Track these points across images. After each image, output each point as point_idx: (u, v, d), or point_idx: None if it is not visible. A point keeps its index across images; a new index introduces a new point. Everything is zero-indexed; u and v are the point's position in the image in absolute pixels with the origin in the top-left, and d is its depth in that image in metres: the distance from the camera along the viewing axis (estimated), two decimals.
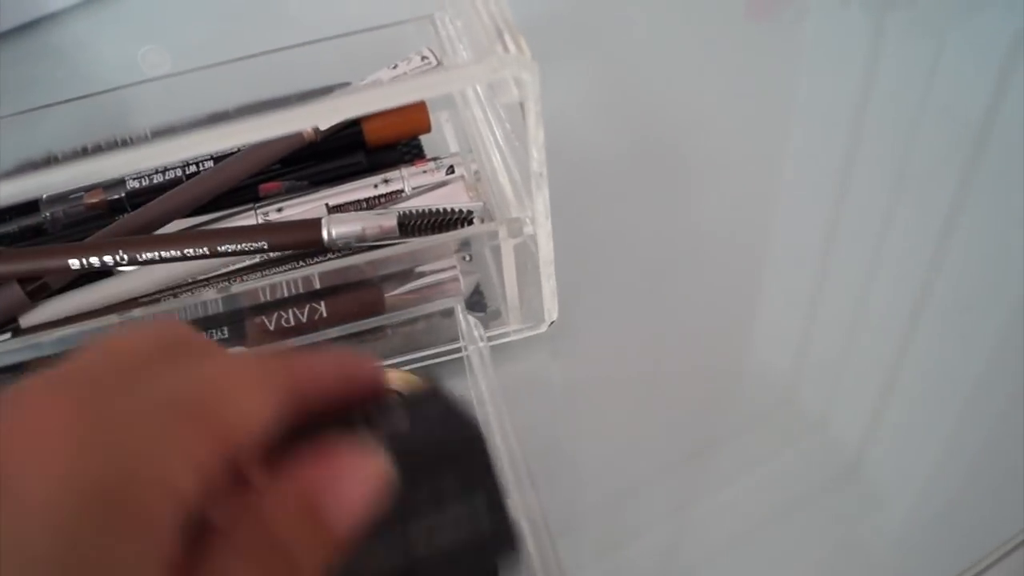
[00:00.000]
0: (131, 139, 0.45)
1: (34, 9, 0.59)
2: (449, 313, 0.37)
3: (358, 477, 0.20)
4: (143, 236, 0.40)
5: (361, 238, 0.38)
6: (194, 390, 0.19)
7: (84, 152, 0.45)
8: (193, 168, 0.43)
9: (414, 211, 0.38)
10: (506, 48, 0.32)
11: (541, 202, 0.35)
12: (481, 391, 0.35)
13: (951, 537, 0.34)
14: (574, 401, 0.39)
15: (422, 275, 0.38)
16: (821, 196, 0.46)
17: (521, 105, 0.32)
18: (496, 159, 0.40)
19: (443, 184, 0.41)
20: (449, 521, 0.21)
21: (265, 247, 0.38)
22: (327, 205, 0.40)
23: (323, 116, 0.32)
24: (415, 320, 0.38)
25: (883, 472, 0.36)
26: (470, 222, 0.38)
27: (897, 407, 0.38)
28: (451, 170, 0.41)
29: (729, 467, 0.37)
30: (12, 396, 0.17)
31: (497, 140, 0.40)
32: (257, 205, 0.41)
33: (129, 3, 0.59)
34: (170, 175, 0.43)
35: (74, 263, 0.38)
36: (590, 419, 0.39)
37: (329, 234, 0.37)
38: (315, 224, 0.38)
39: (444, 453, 0.22)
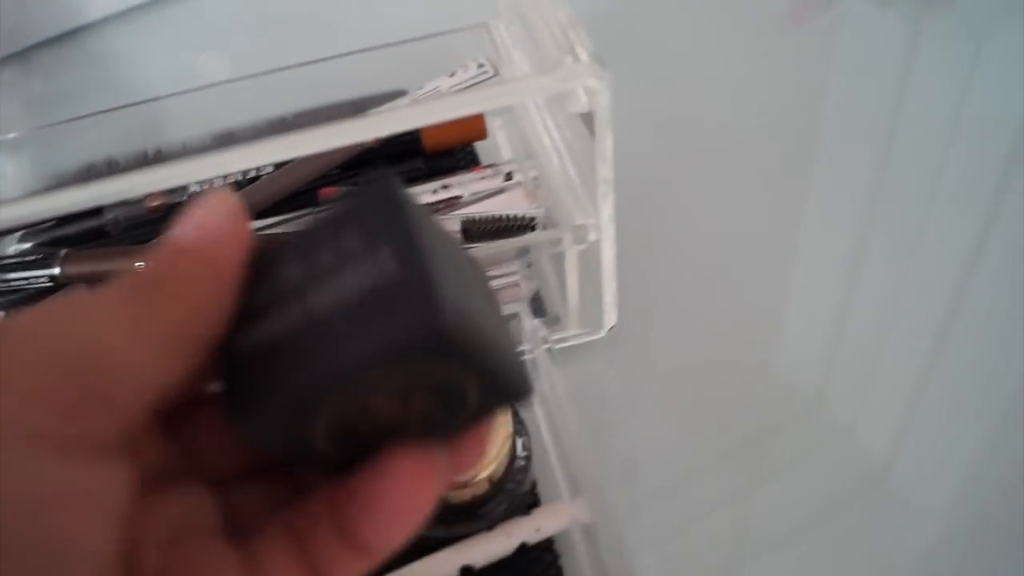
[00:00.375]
0: (191, 145, 0.45)
1: (78, 17, 0.60)
2: (511, 317, 0.37)
3: (199, 206, 0.21)
4: None
5: None
6: None
7: (146, 158, 0.46)
8: (253, 173, 0.43)
9: (477, 217, 0.38)
10: (577, 58, 0.33)
11: (607, 209, 0.35)
12: (546, 392, 0.35)
13: (979, 547, 0.35)
14: (628, 403, 0.40)
15: None
16: (857, 203, 0.46)
17: (590, 114, 0.33)
18: (555, 165, 0.40)
19: (502, 190, 0.41)
20: (351, 277, 0.19)
21: None
22: None
23: (391, 126, 0.32)
24: None
25: (912, 479, 0.37)
26: (532, 228, 0.38)
27: (927, 414, 0.38)
28: (509, 176, 0.42)
29: (761, 473, 0.37)
30: None
31: (557, 146, 0.40)
32: (318, 210, 0.42)
33: (184, 10, 0.60)
34: (231, 180, 0.43)
35: (141, 265, 0.39)
36: (640, 421, 0.39)
37: None
38: None
39: (351, 214, 0.20)
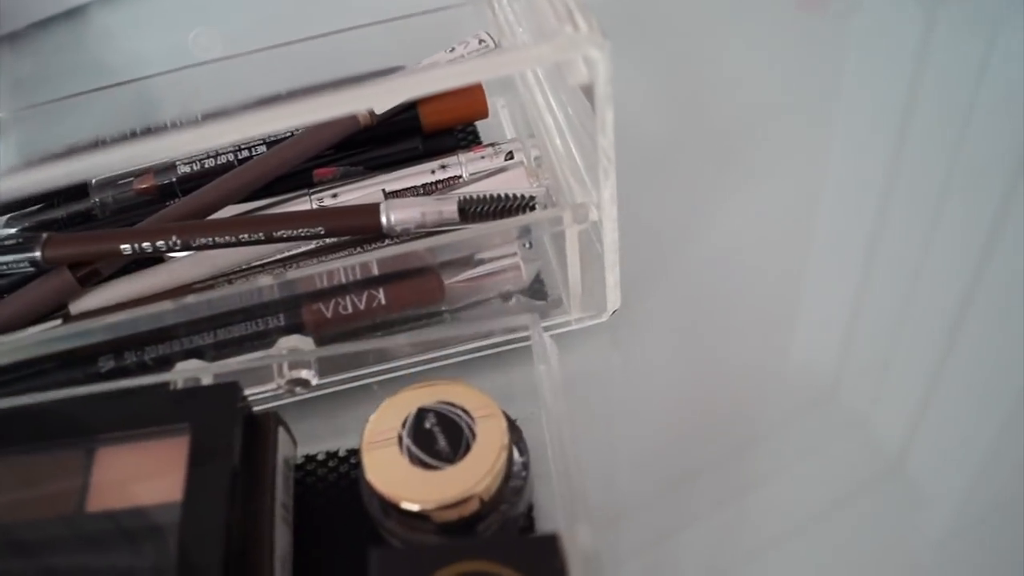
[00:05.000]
0: (181, 123, 0.44)
1: None
2: (508, 298, 0.36)
3: None
4: (197, 221, 0.39)
5: (420, 224, 0.37)
6: None
7: (132, 136, 0.44)
8: (245, 153, 0.42)
9: (475, 196, 0.37)
10: (576, 27, 0.31)
11: (608, 188, 0.34)
12: (541, 378, 0.34)
13: (995, 537, 0.33)
14: (633, 389, 0.38)
15: (482, 262, 0.37)
16: (869, 192, 0.45)
17: (590, 86, 0.31)
18: (557, 144, 0.39)
19: (502, 170, 0.40)
20: None
21: (322, 232, 0.37)
22: (384, 190, 0.40)
23: (385, 96, 0.31)
24: (475, 307, 0.37)
25: (926, 472, 0.35)
26: (532, 208, 0.37)
27: (942, 404, 0.37)
28: (510, 156, 0.40)
29: (772, 464, 0.36)
30: None
31: (559, 125, 0.39)
32: (311, 191, 0.40)
33: None
34: (222, 160, 0.42)
35: (126, 248, 0.37)
36: (646, 407, 0.38)
37: (388, 219, 0.36)
38: (373, 209, 0.37)
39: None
